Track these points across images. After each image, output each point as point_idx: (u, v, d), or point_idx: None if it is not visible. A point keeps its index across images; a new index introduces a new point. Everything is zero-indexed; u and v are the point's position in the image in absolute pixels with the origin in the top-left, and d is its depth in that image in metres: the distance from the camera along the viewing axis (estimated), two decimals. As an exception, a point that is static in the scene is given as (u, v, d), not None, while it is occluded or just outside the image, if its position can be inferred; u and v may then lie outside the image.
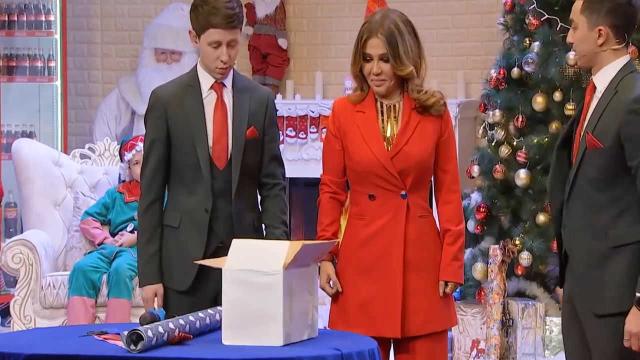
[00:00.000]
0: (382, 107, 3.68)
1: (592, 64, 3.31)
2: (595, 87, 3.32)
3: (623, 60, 3.30)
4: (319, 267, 3.67)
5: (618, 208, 3.25)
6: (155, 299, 3.72)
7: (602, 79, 3.30)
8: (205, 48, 3.70)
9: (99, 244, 5.89)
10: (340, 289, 3.68)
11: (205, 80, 3.75)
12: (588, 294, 3.28)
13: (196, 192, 3.72)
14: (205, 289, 3.70)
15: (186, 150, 3.72)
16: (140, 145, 5.92)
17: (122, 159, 5.98)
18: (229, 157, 3.73)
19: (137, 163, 5.89)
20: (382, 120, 3.67)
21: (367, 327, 3.61)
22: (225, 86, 3.76)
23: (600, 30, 3.27)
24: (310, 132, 6.99)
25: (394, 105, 3.68)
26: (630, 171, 3.22)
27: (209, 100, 3.75)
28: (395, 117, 3.66)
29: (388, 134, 3.65)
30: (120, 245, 5.84)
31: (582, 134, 3.32)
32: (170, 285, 3.75)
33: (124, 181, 6.01)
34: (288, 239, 3.76)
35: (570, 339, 3.38)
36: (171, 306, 3.69)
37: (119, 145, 6.08)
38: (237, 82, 3.78)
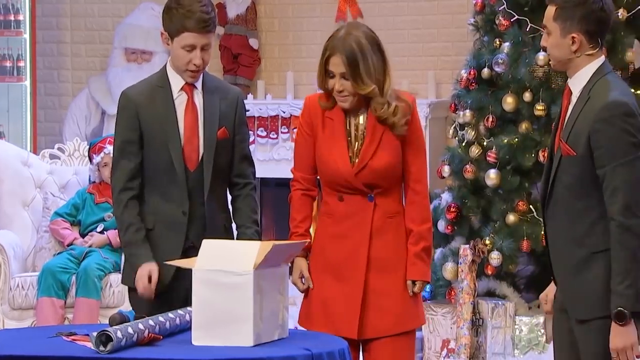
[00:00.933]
0: (349, 118, 3.68)
1: (567, 68, 3.31)
2: (571, 92, 3.32)
3: (597, 63, 3.29)
4: (293, 262, 3.68)
5: (594, 215, 3.26)
6: (152, 278, 3.64)
7: (576, 83, 3.30)
8: (178, 51, 3.68)
9: (68, 245, 5.87)
10: (311, 285, 3.69)
11: (176, 81, 3.74)
12: (571, 300, 3.30)
13: (169, 193, 3.70)
14: (177, 290, 3.68)
15: (158, 151, 3.70)
16: (108, 148, 5.90)
17: (90, 161, 5.95)
18: (199, 158, 3.72)
19: (105, 165, 5.87)
20: (349, 132, 3.67)
21: (327, 325, 3.62)
22: (195, 87, 3.75)
23: (573, 37, 3.26)
24: (282, 132, 6.98)
25: (359, 120, 3.67)
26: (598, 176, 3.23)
27: (180, 101, 3.74)
28: (362, 129, 3.66)
29: (355, 147, 3.65)
30: (90, 246, 5.82)
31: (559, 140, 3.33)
32: None
33: (94, 182, 5.99)
34: (259, 238, 3.76)
35: (561, 348, 3.40)
36: (143, 307, 3.65)
37: (88, 147, 6.06)
38: (207, 83, 3.77)
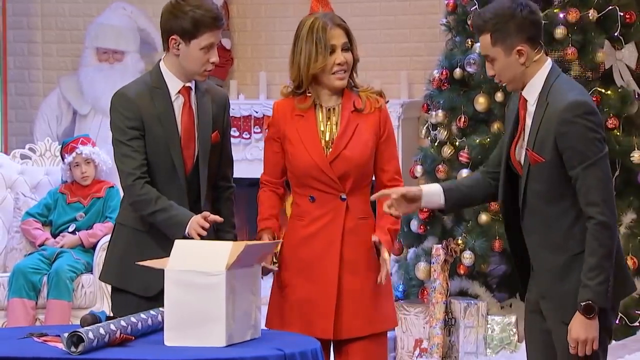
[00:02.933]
0: (321, 110, 3.68)
1: (521, 83, 3.33)
2: (526, 100, 3.34)
3: (546, 67, 3.31)
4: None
5: (570, 218, 3.28)
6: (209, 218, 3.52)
7: (531, 92, 3.32)
8: (196, 52, 3.60)
9: (39, 245, 5.84)
10: (276, 269, 3.68)
11: (173, 84, 3.68)
12: (557, 305, 3.31)
13: (168, 196, 3.62)
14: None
15: (158, 153, 3.64)
16: (80, 148, 5.88)
17: (63, 161, 5.93)
18: (194, 162, 3.68)
19: (77, 165, 5.85)
20: (322, 123, 3.67)
21: (302, 326, 3.62)
22: (192, 90, 3.70)
23: (519, 50, 3.27)
24: (254, 133, 6.98)
25: (333, 108, 3.69)
26: (570, 178, 3.25)
27: (178, 104, 3.69)
28: (335, 120, 3.67)
29: (327, 138, 3.67)
30: (62, 247, 5.80)
31: (524, 150, 3.33)
32: (134, 291, 3.66)
33: (65, 182, 5.96)
34: (235, 239, 3.75)
35: (535, 348, 3.41)
36: (128, 309, 3.50)
37: (60, 146, 6.03)
38: (198, 85, 3.73)
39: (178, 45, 3.62)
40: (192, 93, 3.70)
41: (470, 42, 5.93)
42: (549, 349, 3.36)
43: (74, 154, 5.86)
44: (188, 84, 3.69)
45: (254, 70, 7.21)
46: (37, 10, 7.49)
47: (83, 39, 7.16)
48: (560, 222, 3.28)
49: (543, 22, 3.35)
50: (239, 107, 6.92)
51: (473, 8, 5.87)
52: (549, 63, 3.31)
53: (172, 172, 3.65)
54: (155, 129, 3.64)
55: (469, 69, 5.85)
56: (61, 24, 7.48)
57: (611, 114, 5.74)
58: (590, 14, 5.73)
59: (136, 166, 3.61)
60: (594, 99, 5.73)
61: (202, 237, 3.51)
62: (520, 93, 3.34)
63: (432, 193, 3.44)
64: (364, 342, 3.67)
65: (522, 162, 3.33)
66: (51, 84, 7.39)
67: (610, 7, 5.77)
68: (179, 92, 3.68)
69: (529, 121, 3.31)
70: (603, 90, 5.79)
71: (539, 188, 3.28)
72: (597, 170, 3.22)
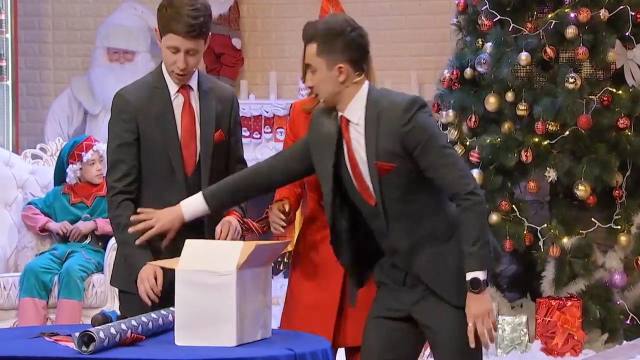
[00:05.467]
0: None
1: (337, 101, 3.38)
2: (349, 121, 3.37)
3: (364, 88, 3.37)
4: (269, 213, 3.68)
5: (432, 208, 3.35)
6: (158, 279, 3.49)
7: (354, 112, 3.36)
8: (165, 50, 3.62)
9: (40, 229, 5.84)
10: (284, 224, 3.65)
11: (173, 83, 3.65)
12: (445, 292, 3.35)
13: (167, 198, 3.59)
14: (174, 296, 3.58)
15: (157, 155, 3.62)
16: (97, 145, 5.89)
17: (67, 163, 5.89)
18: (196, 162, 3.65)
19: (93, 163, 5.85)
20: None
21: (306, 330, 3.61)
22: (192, 89, 3.67)
23: (340, 68, 3.34)
24: (265, 132, 6.98)
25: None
26: (424, 174, 3.32)
27: (177, 103, 3.66)
28: None
29: None
30: (77, 234, 5.77)
31: (366, 167, 3.35)
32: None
33: (66, 182, 5.94)
34: (244, 214, 3.72)
35: (384, 348, 3.44)
36: (135, 310, 3.46)
37: (70, 146, 6.00)
38: (202, 84, 3.69)
39: (158, 39, 3.65)
40: (194, 92, 3.68)
41: (481, 42, 5.92)
42: (399, 349, 3.40)
43: (90, 152, 5.87)
44: (187, 83, 3.66)
45: (264, 70, 7.22)
46: (48, 10, 7.51)
47: (94, 39, 7.18)
48: (424, 216, 3.34)
49: (368, 49, 3.38)
50: (249, 107, 6.92)
51: (484, 8, 5.86)
52: (366, 84, 3.38)
53: (171, 173, 3.62)
54: (153, 130, 3.62)
55: (479, 69, 5.84)
56: (72, 24, 7.49)
57: (622, 114, 5.73)
58: (601, 14, 5.72)
59: (118, 178, 3.61)
60: (605, 98, 5.74)
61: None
62: (341, 115, 3.37)
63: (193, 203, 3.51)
64: None
65: (368, 181, 3.34)
66: (62, 84, 7.41)
67: (622, 7, 5.76)
68: (178, 91, 3.66)
69: (360, 140, 3.34)
70: (614, 90, 5.78)
71: (396, 194, 3.33)
72: (448, 150, 3.30)
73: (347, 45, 3.33)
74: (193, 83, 3.68)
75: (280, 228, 3.65)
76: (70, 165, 5.93)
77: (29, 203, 5.93)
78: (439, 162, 3.28)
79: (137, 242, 3.52)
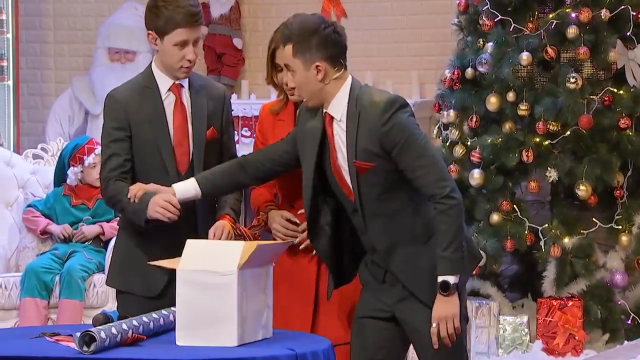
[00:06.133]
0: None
1: (322, 100, 3.38)
2: (332, 118, 3.38)
3: (347, 83, 3.37)
4: (268, 217, 3.72)
5: (410, 210, 3.36)
6: (172, 202, 3.49)
7: (337, 109, 3.37)
8: (170, 49, 3.61)
9: (41, 232, 5.84)
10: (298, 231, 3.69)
11: (163, 82, 3.68)
12: (422, 293, 3.36)
13: None
14: (172, 293, 3.59)
15: (149, 154, 3.64)
16: (99, 149, 5.88)
17: (75, 163, 5.90)
18: (190, 160, 3.67)
19: (94, 166, 5.85)
20: None
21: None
22: (182, 87, 3.70)
23: (317, 66, 3.34)
24: (265, 132, 6.98)
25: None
26: (403, 174, 3.32)
27: (168, 102, 3.68)
28: None
29: None
30: (82, 237, 5.77)
31: (345, 164, 3.36)
32: (137, 292, 3.65)
33: (66, 183, 5.93)
34: (236, 219, 3.74)
35: (377, 345, 3.44)
36: (134, 310, 3.49)
37: (72, 148, 6.00)
38: (193, 82, 3.72)
39: (155, 42, 3.64)
40: (185, 90, 3.69)
41: (481, 42, 5.92)
42: (390, 344, 3.41)
43: (92, 155, 5.87)
44: (178, 81, 3.67)
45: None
46: (49, 10, 7.51)
47: (95, 39, 7.18)
48: (403, 216, 3.35)
49: (346, 44, 3.38)
50: (250, 107, 6.92)
51: (485, 8, 5.86)
52: (349, 80, 3.38)
53: (164, 172, 3.63)
54: (144, 130, 3.63)
55: (480, 69, 5.84)
56: (73, 24, 7.49)
57: (623, 114, 5.72)
58: (602, 14, 5.71)
59: (113, 167, 3.62)
60: (606, 98, 5.73)
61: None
62: (325, 112, 3.37)
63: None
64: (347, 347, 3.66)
65: (348, 178, 3.35)
66: (63, 84, 7.41)
67: (623, 7, 5.76)
68: (169, 89, 3.67)
69: (342, 137, 3.35)
70: (615, 90, 5.78)
71: (374, 192, 3.34)
72: (427, 151, 3.30)
73: (322, 43, 3.33)
74: (184, 81, 3.69)
75: (292, 240, 3.67)
76: (72, 168, 5.93)
77: (29, 205, 5.92)
78: (416, 163, 3.29)
79: (134, 198, 3.52)
